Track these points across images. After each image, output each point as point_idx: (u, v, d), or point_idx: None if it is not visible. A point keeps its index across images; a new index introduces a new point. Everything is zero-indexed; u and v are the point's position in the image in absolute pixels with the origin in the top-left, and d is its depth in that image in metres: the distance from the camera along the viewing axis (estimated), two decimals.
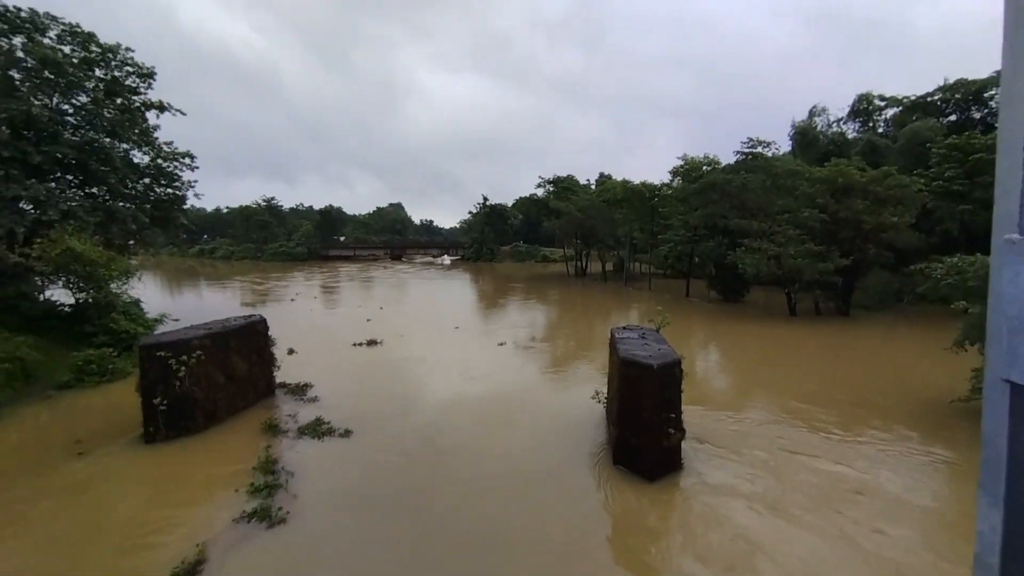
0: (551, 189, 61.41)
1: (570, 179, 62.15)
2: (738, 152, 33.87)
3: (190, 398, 11.96)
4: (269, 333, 15.23)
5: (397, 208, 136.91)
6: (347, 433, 11.85)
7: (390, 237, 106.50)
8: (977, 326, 12.77)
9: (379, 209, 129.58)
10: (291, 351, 18.98)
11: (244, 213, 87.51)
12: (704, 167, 36.14)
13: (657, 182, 44.78)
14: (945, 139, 32.25)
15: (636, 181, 45.65)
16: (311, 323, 27.82)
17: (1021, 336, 0.92)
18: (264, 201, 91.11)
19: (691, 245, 38.49)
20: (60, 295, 20.59)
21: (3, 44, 18.24)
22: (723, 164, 36.68)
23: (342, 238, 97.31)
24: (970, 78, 38.45)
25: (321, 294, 42.51)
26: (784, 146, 44.70)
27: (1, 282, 17.45)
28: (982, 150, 28.69)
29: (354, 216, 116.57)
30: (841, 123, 43.65)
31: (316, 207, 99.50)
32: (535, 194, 64.87)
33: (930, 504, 9.27)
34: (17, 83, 18.31)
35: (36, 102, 18.24)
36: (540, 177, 62.75)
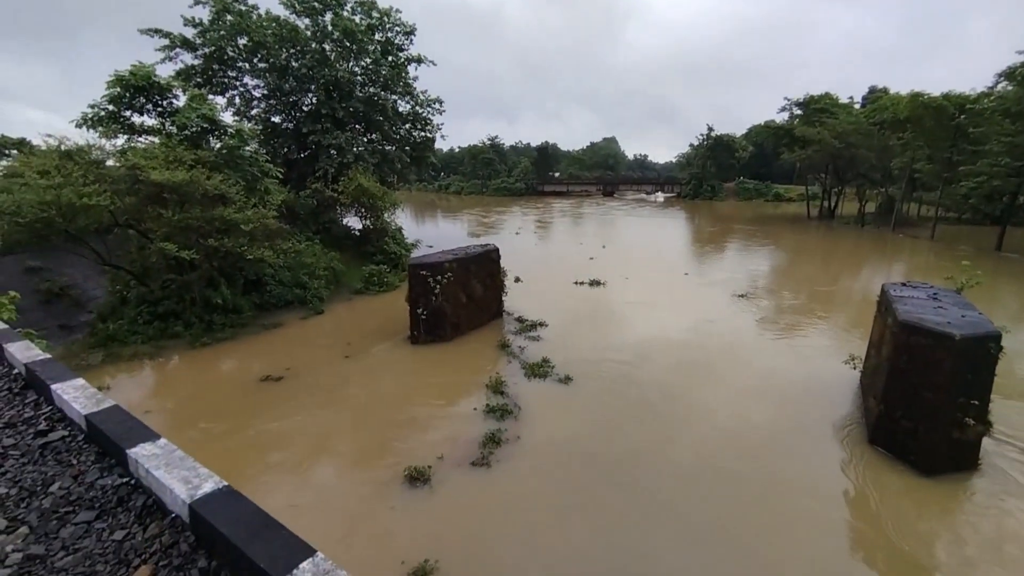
0: (797, 113, 50.72)
1: (826, 98, 50.00)
2: None
3: (442, 311, 14.41)
4: (500, 262, 17.00)
5: (610, 142, 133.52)
6: (567, 380, 11.53)
7: (602, 173, 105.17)
8: None
9: (592, 144, 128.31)
10: (517, 279, 20.84)
11: (472, 152, 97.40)
12: None
13: (972, 91, 32.34)
14: None
15: (933, 93, 33.82)
16: (534, 258, 28.44)
17: None
18: (488, 140, 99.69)
19: (1017, 179, 27.46)
20: (351, 222, 26.67)
21: (320, 21, 23.25)
22: None
23: (556, 174, 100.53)
24: None
25: (541, 229, 44.39)
26: None
27: (320, 211, 23.45)
28: None
29: (568, 152, 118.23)
30: None
31: (533, 144, 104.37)
32: (773, 121, 54.65)
33: None
34: (328, 53, 23.26)
35: (339, 67, 22.97)
36: (786, 99, 52.02)
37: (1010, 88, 28.97)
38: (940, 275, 16.06)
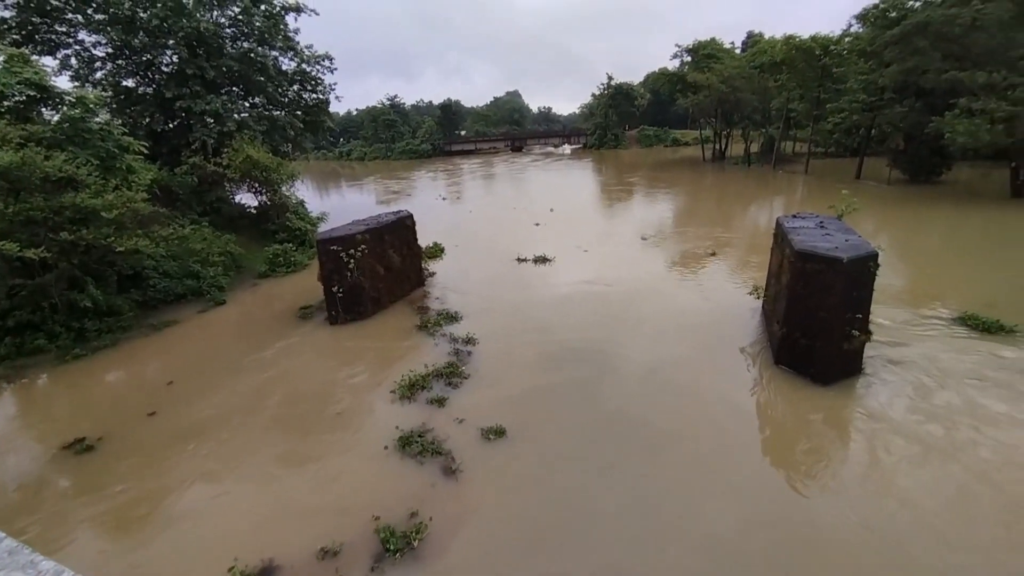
0: (688, 59, 52.87)
1: (713, 44, 52.44)
2: None
3: (360, 287, 13.51)
4: (415, 228, 16.16)
5: (514, 96, 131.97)
6: (500, 433, 8.10)
7: (509, 128, 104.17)
8: None
9: (496, 99, 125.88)
10: (435, 248, 19.94)
11: (371, 114, 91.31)
12: (911, 3, 27.13)
13: (835, 33, 35.47)
14: None
15: (803, 36, 36.64)
16: (467, 228, 25.29)
17: None
18: (388, 100, 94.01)
19: (871, 113, 31.07)
20: (245, 199, 23.95)
21: None
22: None
23: (462, 132, 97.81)
24: None
25: (463, 193, 41.90)
26: None
27: (204, 189, 20.68)
28: None
29: (472, 109, 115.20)
30: None
31: (436, 102, 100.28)
32: (666, 68, 56.63)
33: None
34: (184, 1, 19.81)
35: (201, 18, 19.74)
36: (677, 46, 54.02)
37: (863, 30, 32.18)
38: (818, 204, 17.81)
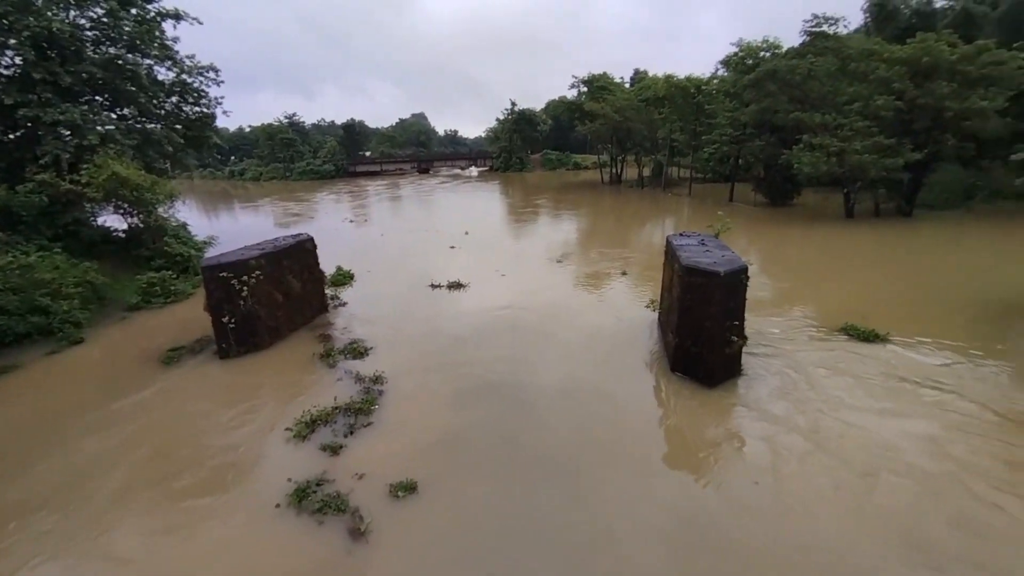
0: (584, 90, 56.97)
1: (605, 77, 57.21)
2: (804, 32, 29.69)
3: (255, 316, 12.45)
4: (317, 251, 15.33)
5: (420, 119, 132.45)
6: (411, 488, 7.25)
7: (415, 150, 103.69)
8: None
9: (402, 121, 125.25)
10: (340, 273, 19.03)
11: (268, 131, 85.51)
12: (762, 53, 32.02)
13: (705, 74, 40.49)
14: None
15: (681, 75, 41.41)
16: (378, 254, 24.11)
17: None
18: (286, 118, 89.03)
19: (737, 145, 35.69)
20: (112, 221, 21.09)
21: None
22: (785, 48, 32.35)
23: (367, 153, 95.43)
24: None
25: (371, 216, 40.27)
26: (855, 22, 38.98)
27: (57, 210, 17.87)
28: None
29: (377, 129, 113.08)
30: None
31: (338, 121, 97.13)
32: (565, 96, 60.73)
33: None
34: None
35: (53, 17, 17.32)
36: (574, 77, 58.26)
37: (727, 73, 37.09)
38: (700, 223, 19.85)
